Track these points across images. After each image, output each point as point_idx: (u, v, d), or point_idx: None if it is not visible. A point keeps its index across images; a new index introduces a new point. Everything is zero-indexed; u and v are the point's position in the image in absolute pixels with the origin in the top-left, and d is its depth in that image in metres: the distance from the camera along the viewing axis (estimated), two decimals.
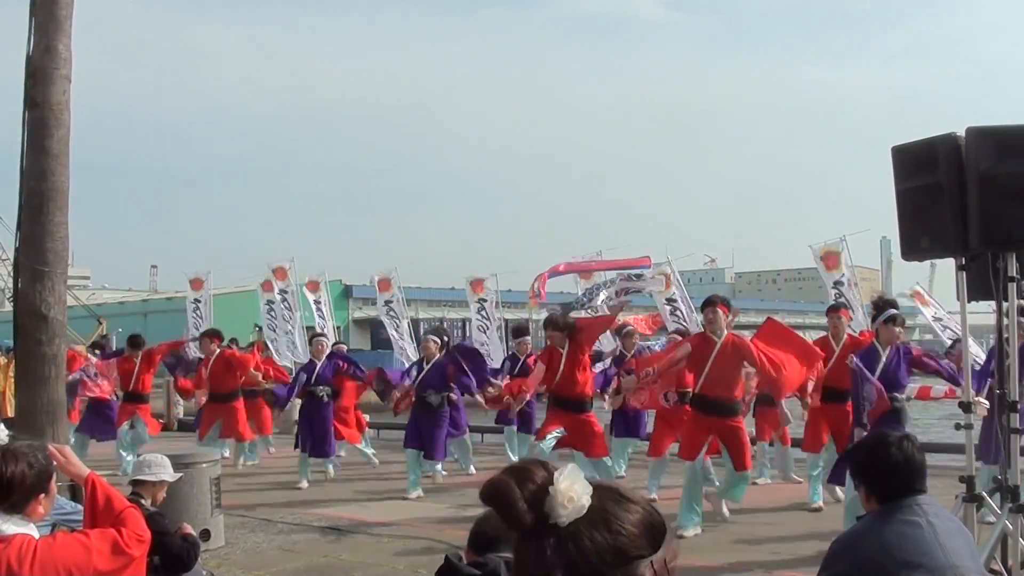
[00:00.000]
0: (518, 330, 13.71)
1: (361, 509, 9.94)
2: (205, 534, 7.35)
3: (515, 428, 13.02)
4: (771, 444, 11.42)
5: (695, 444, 8.50)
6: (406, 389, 11.12)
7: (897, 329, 7.94)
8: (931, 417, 17.45)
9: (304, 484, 11.44)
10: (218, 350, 12.75)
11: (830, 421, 9.26)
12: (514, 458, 12.97)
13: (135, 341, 13.53)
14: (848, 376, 8.63)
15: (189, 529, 5.29)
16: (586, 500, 1.82)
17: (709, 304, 8.61)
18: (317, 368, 11.90)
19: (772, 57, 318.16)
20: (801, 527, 8.61)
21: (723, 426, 8.46)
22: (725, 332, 8.42)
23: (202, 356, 13.44)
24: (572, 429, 9.33)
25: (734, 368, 8.47)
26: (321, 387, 11.81)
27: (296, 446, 12.02)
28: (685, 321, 14.88)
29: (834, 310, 9.64)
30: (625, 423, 11.61)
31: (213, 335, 12.98)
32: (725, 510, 8.88)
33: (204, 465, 7.99)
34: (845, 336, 9.30)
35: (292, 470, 12.05)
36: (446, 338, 11.96)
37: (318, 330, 17.11)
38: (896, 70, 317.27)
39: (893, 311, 8.04)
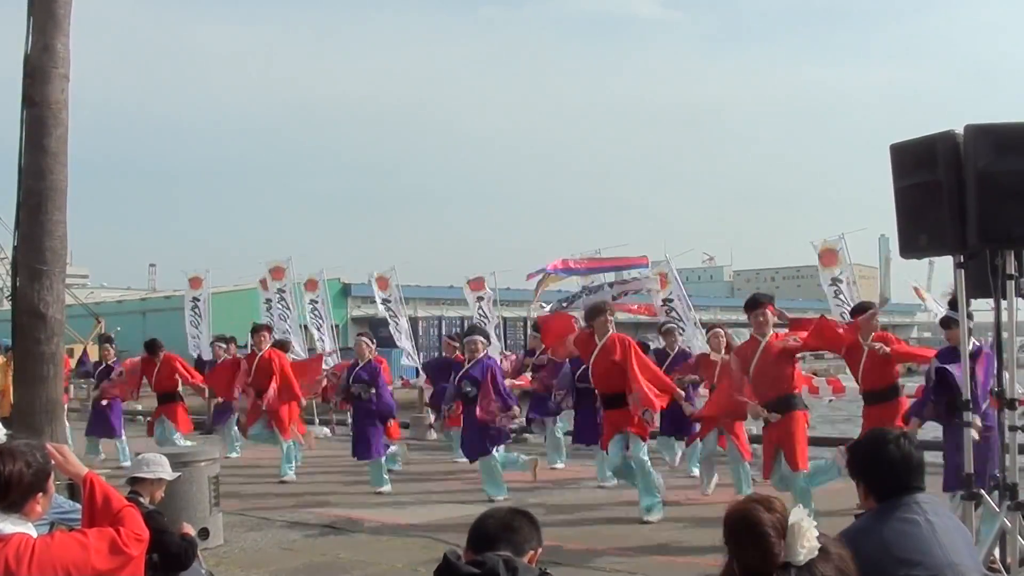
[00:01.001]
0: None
1: (360, 508, 9.93)
2: (204, 532, 7.34)
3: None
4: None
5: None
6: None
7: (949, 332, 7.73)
8: None
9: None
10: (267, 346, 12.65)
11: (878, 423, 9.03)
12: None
13: (151, 346, 13.74)
14: (884, 373, 8.67)
15: (189, 529, 5.28)
16: (816, 542, 2.03)
17: (758, 306, 8.27)
18: (355, 369, 11.68)
19: (771, 56, 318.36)
20: None
21: (777, 424, 8.04)
22: (770, 333, 8.20)
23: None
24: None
25: (780, 366, 8.10)
26: (356, 386, 11.51)
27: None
28: (682, 320, 14.91)
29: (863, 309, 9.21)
30: (672, 421, 11.40)
31: (265, 329, 13.03)
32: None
33: (203, 464, 7.97)
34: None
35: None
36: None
37: (313, 330, 17.17)
38: (895, 69, 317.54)
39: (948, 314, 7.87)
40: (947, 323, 7.83)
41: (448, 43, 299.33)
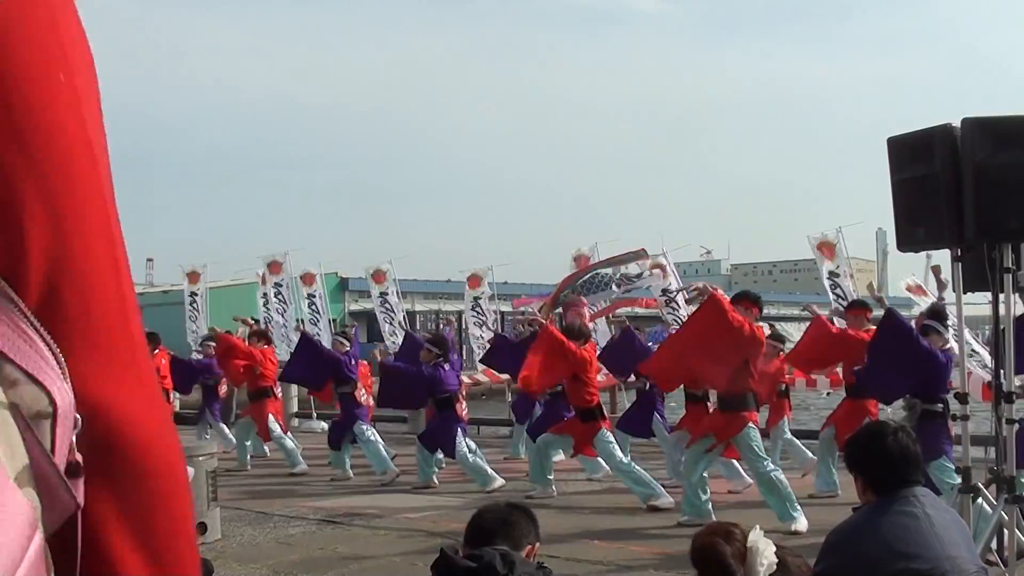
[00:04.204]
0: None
1: (358, 501, 9.93)
2: (202, 527, 7.33)
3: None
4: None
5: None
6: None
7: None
8: None
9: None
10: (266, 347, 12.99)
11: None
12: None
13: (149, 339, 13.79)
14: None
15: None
16: (774, 557, 2.19)
17: None
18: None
19: (768, 49, 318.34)
20: None
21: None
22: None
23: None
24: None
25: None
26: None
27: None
28: (681, 309, 14.93)
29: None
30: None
31: (261, 335, 13.31)
32: None
33: (200, 458, 7.95)
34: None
35: (287, 463, 12.06)
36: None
37: (310, 325, 17.18)
38: (893, 61, 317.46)
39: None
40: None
41: (443, 36, 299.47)
